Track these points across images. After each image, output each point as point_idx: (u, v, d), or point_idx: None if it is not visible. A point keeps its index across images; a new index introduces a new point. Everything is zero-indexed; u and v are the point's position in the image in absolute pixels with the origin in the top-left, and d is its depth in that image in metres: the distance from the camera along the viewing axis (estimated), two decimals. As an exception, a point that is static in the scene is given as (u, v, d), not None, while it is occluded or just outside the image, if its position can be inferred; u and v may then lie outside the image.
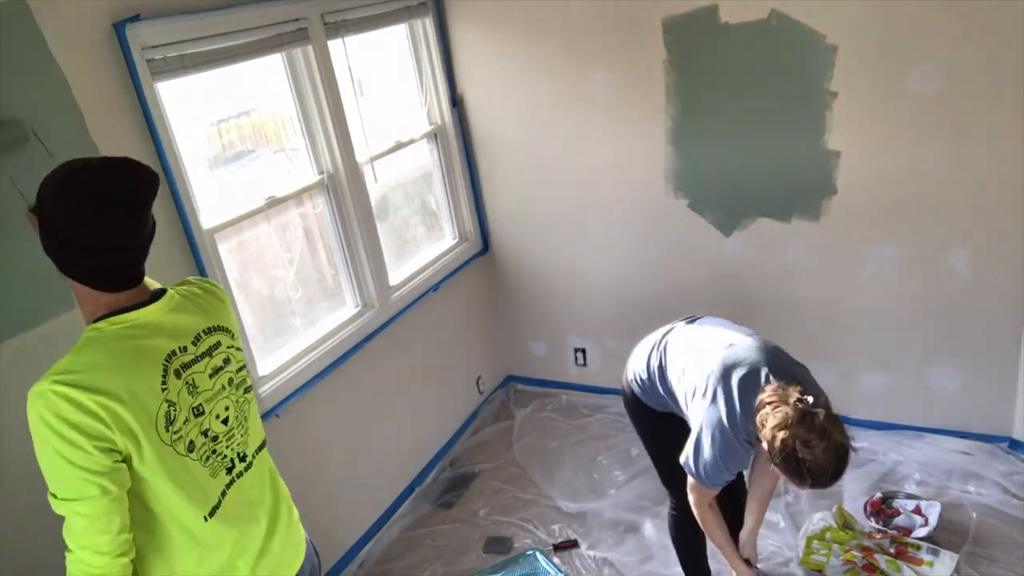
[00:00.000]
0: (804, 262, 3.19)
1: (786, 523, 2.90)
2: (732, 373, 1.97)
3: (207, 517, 1.44)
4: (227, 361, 1.52)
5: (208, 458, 1.46)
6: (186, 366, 1.42)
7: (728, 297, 3.41)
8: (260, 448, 1.62)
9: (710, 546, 2.44)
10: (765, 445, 1.84)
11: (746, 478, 2.35)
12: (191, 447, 1.42)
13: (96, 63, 1.99)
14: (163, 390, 1.36)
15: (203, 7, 2.28)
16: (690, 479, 2.10)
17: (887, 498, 2.88)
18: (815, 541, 2.70)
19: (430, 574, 2.94)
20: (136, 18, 2.05)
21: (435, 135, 3.55)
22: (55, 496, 1.28)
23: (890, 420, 3.31)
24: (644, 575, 2.79)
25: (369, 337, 3.05)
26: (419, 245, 3.60)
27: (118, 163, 1.33)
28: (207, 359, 1.47)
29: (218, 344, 1.51)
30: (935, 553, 2.58)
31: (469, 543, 3.07)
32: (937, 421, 3.22)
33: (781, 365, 2.00)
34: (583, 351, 3.90)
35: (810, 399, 1.80)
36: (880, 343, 3.19)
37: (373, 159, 3.10)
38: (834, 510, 2.81)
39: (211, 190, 2.48)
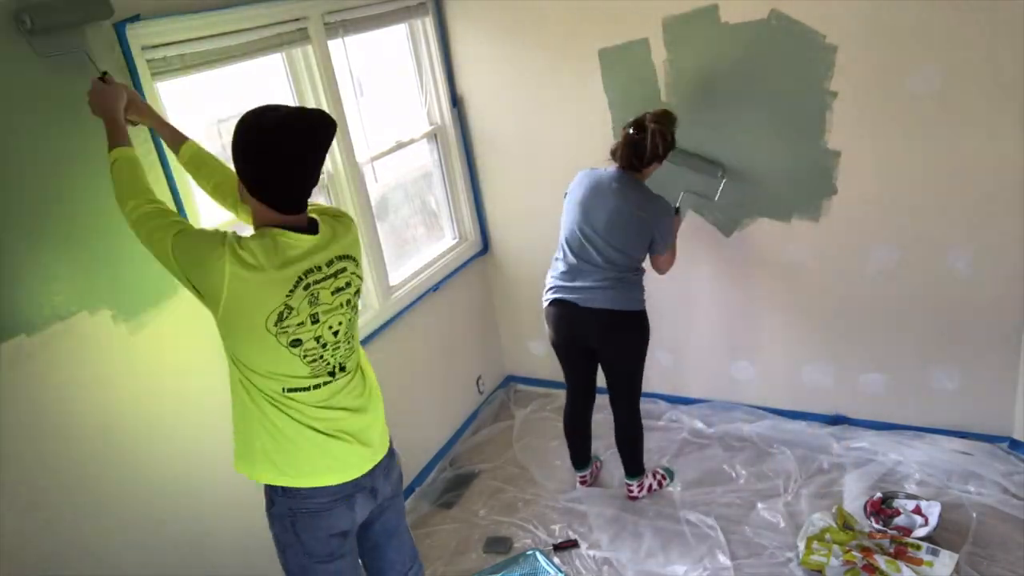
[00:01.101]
0: (804, 262, 3.19)
1: (785, 523, 2.90)
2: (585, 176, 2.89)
3: (285, 390, 1.75)
4: (348, 284, 1.82)
5: (314, 361, 1.76)
6: (316, 283, 1.72)
7: (728, 297, 3.41)
8: (358, 365, 1.93)
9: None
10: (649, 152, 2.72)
11: None
12: (295, 343, 1.72)
13: (96, 63, 1.99)
14: (287, 296, 1.67)
15: (203, 7, 2.27)
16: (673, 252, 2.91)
17: (887, 498, 2.88)
18: (815, 542, 2.70)
19: (430, 574, 2.94)
20: (136, 18, 2.05)
21: (435, 135, 3.55)
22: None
23: (890, 420, 3.31)
24: (643, 575, 2.79)
25: (369, 337, 3.05)
26: (419, 245, 3.61)
27: (316, 113, 1.66)
28: (332, 280, 1.76)
29: (344, 269, 1.80)
30: (935, 553, 2.57)
31: (469, 543, 3.07)
32: (937, 421, 3.22)
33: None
34: (583, 351, 3.89)
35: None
36: (880, 343, 3.19)
37: (373, 159, 3.10)
38: (834, 510, 2.81)
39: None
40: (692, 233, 3.34)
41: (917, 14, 2.62)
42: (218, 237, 1.64)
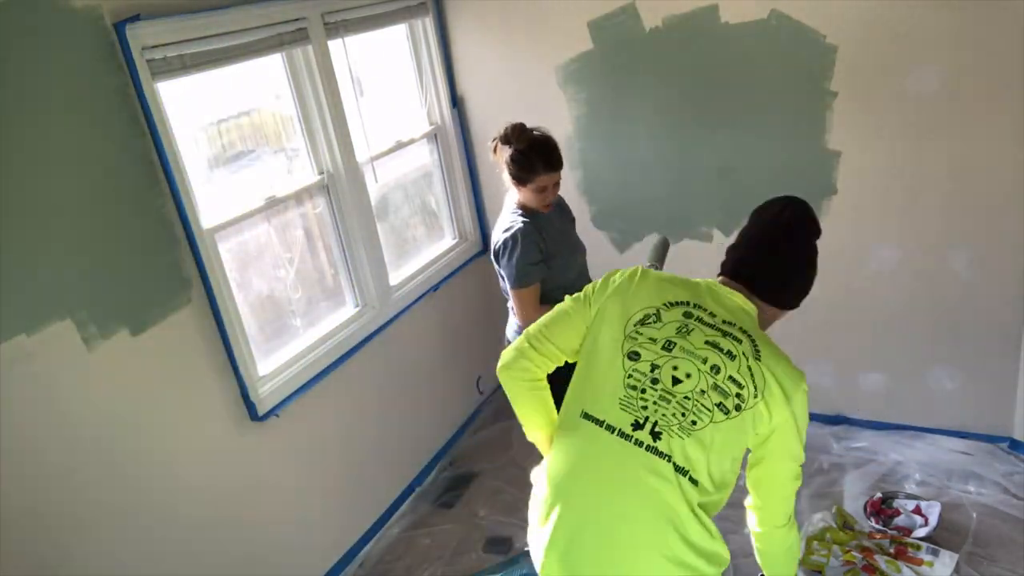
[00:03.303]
0: (804, 262, 3.18)
1: (786, 523, 2.89)
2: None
3: (583, 415, 1.47)
4: (730, 356, 1.45)
5: (633, 388, 1.43)
6: (700, 321, 1.49)
7: (728, 297, 3.41)
8: (673, 460, 1.38)
9: None
10: (505, 178, 2.44)
11: None
12: (633, 356, 1.46)
13: (96, 63, 1.99)
14: (665, 305, 1.50)
15: (203, 7, 2.27)
16: (512, 299, 2.47)
17: (887, 498, 2.88)
18: (815, 542, 2.70)
19: (430, 574, 2.94)
20: (136, 18, 2.05)
21: (435, 135, 3.55)
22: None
23: (890, 420, 3.31)
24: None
25: (369, 337, 3.05)
26: (419, 245, 3.60)
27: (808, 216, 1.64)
28: (718, 336, 1.47)
29: (738, 340, 1.47)
30: (935, 553, 2.58)
31: (469, 543, 3.07)
32: (937, 421, 3.22)
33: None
34: (583, 351, 3.89)
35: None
36: (880, 343, 3.19)
37: (373, 159, 3.10)
38: (834, 511, 2.81)
39: (211, 190, 2.48)
40: (692, 232, 3.34)
41: (917, 14, 2.62)
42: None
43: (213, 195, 2.48)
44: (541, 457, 1.69)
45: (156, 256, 2.20)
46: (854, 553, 2.60)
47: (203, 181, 2.44)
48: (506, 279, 2.47)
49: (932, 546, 2.61)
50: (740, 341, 1.46)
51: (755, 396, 1.41)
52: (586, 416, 1.45)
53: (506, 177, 2.46)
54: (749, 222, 1.64)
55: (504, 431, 3.77)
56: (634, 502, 1.39)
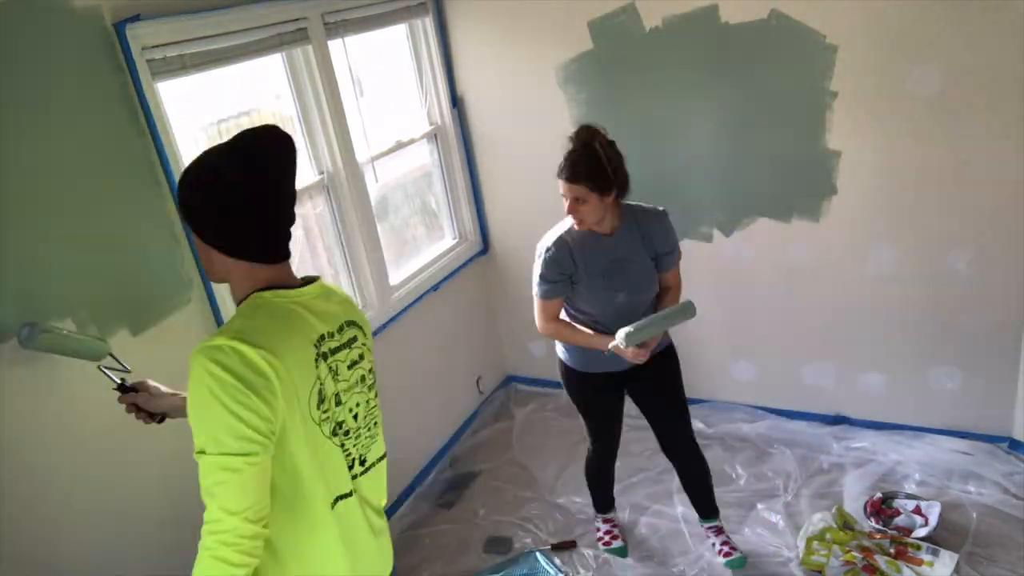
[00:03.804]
0: (804, 262, 3.19)
1: (785, 524, 2.89)
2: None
3: (332, 505, 1.41)
4: (362, 357, 1.50)
5: (341, 447, 1.45)
6: (332, 351, 1.41)
7: (728, 297, 3.41)
8: (381, 458, 1.57)
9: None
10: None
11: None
12: (336, 430, 1.41)
13: (96, 63, 1.99)
14: (317, 366, 1.37)
15: (203, 7, 2.28)
16: (535, 305, 2.44)
17: (887, 498, 2.88)
18: (815, 542, 2.70)
19: (430, 574, 2.94)
20: (136, 18, 2.05)
21: (435, 135, 3.55)
22: (206, 452, 1.23)
23: (890, 420, 3.31)
24: (643, 574, 2.79)
25: (369, 337, 3.05)
26: (419, 245, 3.60)
27: (269, 129, 1.37)
28: (347, 350, 1.46)
29: (355, 338, 1.49)
30: (935, 553, 2.57)
31: (469, 543, 3.07)
32: (937, 421, 3.22)
33: None
34: (583, 351, 3.89)
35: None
36: (880, 343, 3.19)
37: (373, 159, 3.10)
38: (834, 511, 2.81)
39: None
40: (692, 232, 3.34)
41: (917, 14, 2.62)
42: (226, 351, 1.25)
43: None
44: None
45: (156, 256, 2.20)
46: (854, 553, 2.60)
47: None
48: None
49: (932, 546, 2.61)
50: (356, 338, 1.49)
51: (371, 351, 1.56)
52: (338, 499, 1.44)
53: None
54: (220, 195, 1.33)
55: (504, 431, 3.77)
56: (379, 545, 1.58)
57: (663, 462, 3.36)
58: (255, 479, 1.24)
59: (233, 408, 1.22)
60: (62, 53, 1.91)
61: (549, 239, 2.42)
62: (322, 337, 1.39)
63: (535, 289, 2.43)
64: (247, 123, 2.71)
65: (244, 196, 1.31)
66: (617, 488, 3.23)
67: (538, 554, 2.91)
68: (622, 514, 3.09)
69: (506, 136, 3.55)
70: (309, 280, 1.45)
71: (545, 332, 2.49)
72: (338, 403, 1.42)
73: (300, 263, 2.88)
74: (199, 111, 2.48)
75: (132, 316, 2.12)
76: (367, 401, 1.52)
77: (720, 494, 3.11)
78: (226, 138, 1.36)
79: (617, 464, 3.39)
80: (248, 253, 1.35)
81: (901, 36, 2.68)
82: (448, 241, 3.77)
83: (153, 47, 2.15)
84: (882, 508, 2.85)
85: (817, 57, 2.81)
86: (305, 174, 2.85)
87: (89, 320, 1.99)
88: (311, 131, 2.82)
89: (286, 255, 1.40)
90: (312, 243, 2.95)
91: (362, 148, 3.01)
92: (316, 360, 1.36)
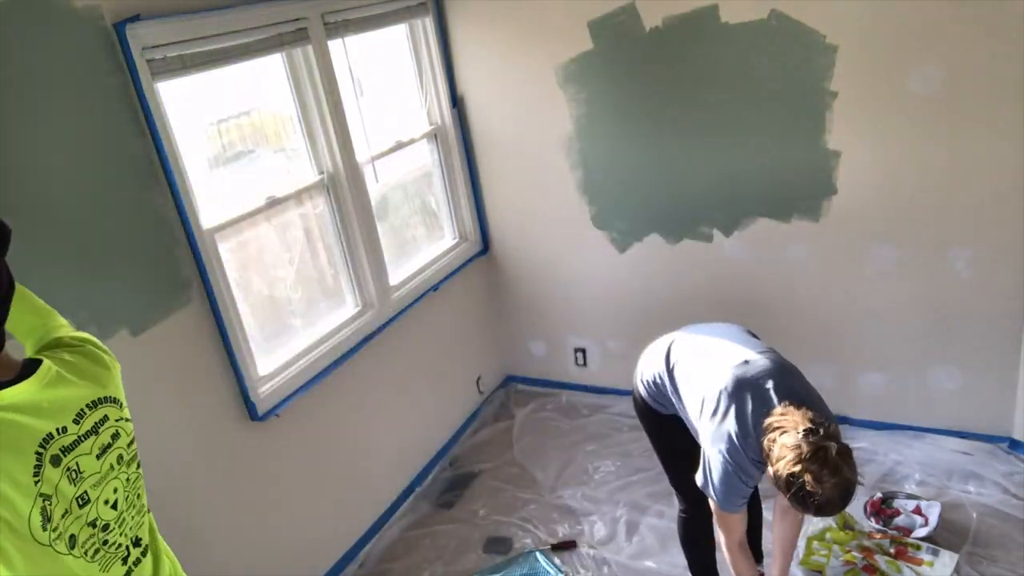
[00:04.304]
0: (804, 262, 3.19)
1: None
2: (744, 392, 1.94)
3: None
4: (116, 436, 1.30)
5: (97, 551, 1.25)
6: (66, 450, 1.19)
7: (728, 297, 3.41)
8: (152, 530, 1.40)
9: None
10: (771, 472, 1.80)
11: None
12: (72, 543, 1.20)
13: (96, 63, 1.99)
14: (36, 482, 1.13)
15: (203, 7, 2.28)
16: (711, 502, 2.07)
17: (887, 498, 2.88)
18: (815, 542, 2.70)
19: (430, 574, 2.94)
20: (136, 18, 2.05)
21: (435, 135, 3.55)
22: None
23: (890, 420, 3.31)
24: (643, 574, 2.79)
25: (369, 337, 3.05)
26: (419, 245, 3.60)
27: None
28: (92, 438, 1.24)
29: (105, 419, 1.28)
30: (935, 553, 2.58)
31: (469, 543, 3.07)
32: (937, 421, 3.22)
33: (791, 387, 1.95)
34: (583, 351, 3.90)
35: (820, 430, 1.75)
36: (880, 343, 3.19)
37: (373, 159, 3.10)
38: (834, 510, 2.81)
39: (211, 190, 2.48)
40: (692, 232, 3.35)
41: (917, 14, 2.62)
42: None
43: (213, 195, 2.48)
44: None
45: (156, 256, 2.20)
46: (854, 553, 2.61)
47: (203, 181, 2.44)
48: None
49: (932, 546, 2.61)
50: (106, 417, 1.28)
51: (128, 421, 1.35)
52: None
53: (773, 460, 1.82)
54: None
55: (504, 431, 3.77)
56: None
57: (663, 462, 3.37)
58: None
59: None
60: (62, 53, 1.91)
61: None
62: (49, 437, 1.16)
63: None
64: (247, 123, 2.71)
65: None
66: (617, 487, 3.24)
67: (538, 554, 2.91)
68: (621, 511, 3.08)
69: (506, 136, 3.55)
70: (31, 366, 1.19)
71: (732, 560, 2.16)
72: (83, 504, 1.22)
73: (300, 263, 2.88)
74: (199, 111, 2.48)
75: (132, 317, 2.13)
76: (127, 479, 1.32)
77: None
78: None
79: (618, 464, 3.40)
80: None
81: (901, 36, 2.67)
82: (448, 241, 3.77)
83: (153, 47, 2.15)
84: (882, 508, 2.85)
85: (817, 57, 2.81)
86: (305, 174, 2.85)
87: (89, 320, 1.99)
88: (311, 131, 2.82)
89: None
90: (312, 243, 2.95)
91: (362, 148, 3.01)
92: (38, 471, 1.14)
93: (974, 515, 2.80)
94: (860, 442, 3.25)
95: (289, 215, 2.81)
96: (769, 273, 3.28)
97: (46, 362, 1.21)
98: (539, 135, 3.46)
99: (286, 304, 2.84)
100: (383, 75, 3.43)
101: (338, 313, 3.03)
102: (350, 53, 2.91)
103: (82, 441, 1.22)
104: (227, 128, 2.63)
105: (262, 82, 2.71)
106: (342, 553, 3.01)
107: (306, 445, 2.81)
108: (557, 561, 2.88)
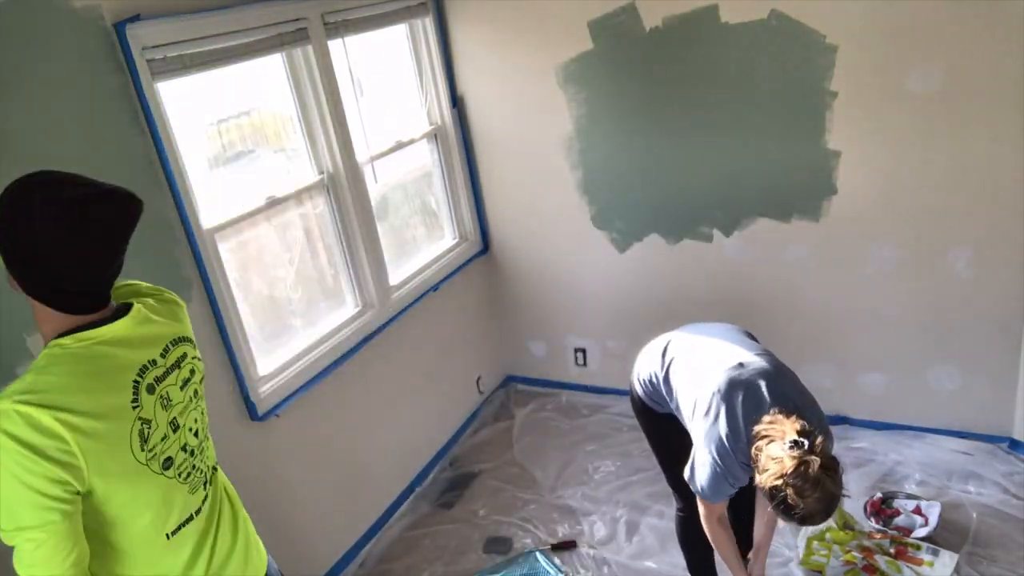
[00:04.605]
0: (804, 262, 3.19)
1: (785, 523, 2.89)
2: (736, 395, 1.94)
3: (170, 535, 1.38)
4: (192, 372, 1.47)
5: (189, 474, 1.42)
6: (159, 380, 1.36)
7: (728, 297, 3.41)
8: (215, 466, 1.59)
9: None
10: (757, 479, 1.80)
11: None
12: (167, 464, 1.36)
13: (96, 63, 1.99)
14: (134, 407, 1.29)
15: (203, 7, 2.28)
16: (694, 491, 2.09)
17: (887, 498, 2.88)
18: (815, 542, 2.70)
19: (430, 574, 2.94)
20: (136, 18, 2.05)
21: (435, 135, 3.55)
22: (4, 529, 1.18)
23: (890, 420, 3.31)
24: (643, 574, 2.79)
25: (369, 337, 3.05)
26: (419, 245, 3.60)
27: (110, 191, 1.27)
28: (176, 371, 1.42)
29: (184, 355, 1.45)
30: (935, 553, 2.58)
31: (469, 543, 3.07)
32: (937, 421, 3.22)
33: (783, 391, 1.94)
34: (583, 351, 3.90)
35: (806, 442, 1.73)
36: (880, 343, 3.19)
37: (373, 159, 3.10)
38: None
39: (211, 190, 2.48)
40: (692, 232, 3.35)
41: (917, 14, 2.62)
42: (17, 419, 1.17)
43: (213, 195, 2.48)
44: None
45: (156, 256, 2.20)
46: (854, 553, 2.61)
47: (203, 181, 2.44)
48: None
49: (932, 546, 2.61)
50: (185, 354, 1.46)
51: (200, 360, 1.54)
52: (175, 531, 1.40)
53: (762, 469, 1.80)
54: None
55: (504, 431, 3.77)
56: (226, 521, 1.55)
57: (663, 462, 3.37)
58: (62, 542, 1.19)
59: (23, 478, 1.15)
60: (62, 53, 1.91)
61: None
62: (144, 368, 1.33)
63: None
64: (247, 123, 2.71)
65: (55, 267, 1.22)
66: (617, 487, 3.24)
67: (538, 554, 2.91)
68: (621, 511, 3.08)
69: (506, 136, 3.55)
70: (124, 308, 1.36)
71: (711, 533, 2.18)
72: (175, 429, 1.38)
73: (300, 263, 2.88)
74: (199, 111, 2.48)
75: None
76: (201, 413, 1.50)
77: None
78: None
79: (618, 464, 3.40)
80: (53, 304, 1.26)
81: (901, 36, 2.68)
82: (448, 241, 3.77)
83: (153, 47, 2.15)
84: (882, 508, 2.85)
85: (817, 57, 2.81)
86: (305, 174, 2.85)
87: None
88: (311, 131, 2.82)
89: (100, 308, 1.31)
90: (312, 243, 2.95)
91: (362, 148, 3.01)
92: (136, 396, 1.30)
93: (974, 515, 2.80)
94: (860, 442, 3.25)
95: (289, 215, 2.81)
96: (769, 273, 3.28)
97: (137, 304, 1.38)
98: (539, 135, 3.46)
99: (286, 304, 2.84)
100: (383, 75, 3.43)
101: (338, 313, 3.03)
102: (350, 53, 2.91)
103: (170, 373, 1.40)
104: (227, 128, 2.63)
105: (262, 82, 2.71)
106: (342, 553, 3.01)
107: (306, 445, 2.81)
108: (557, 561, 2.88)
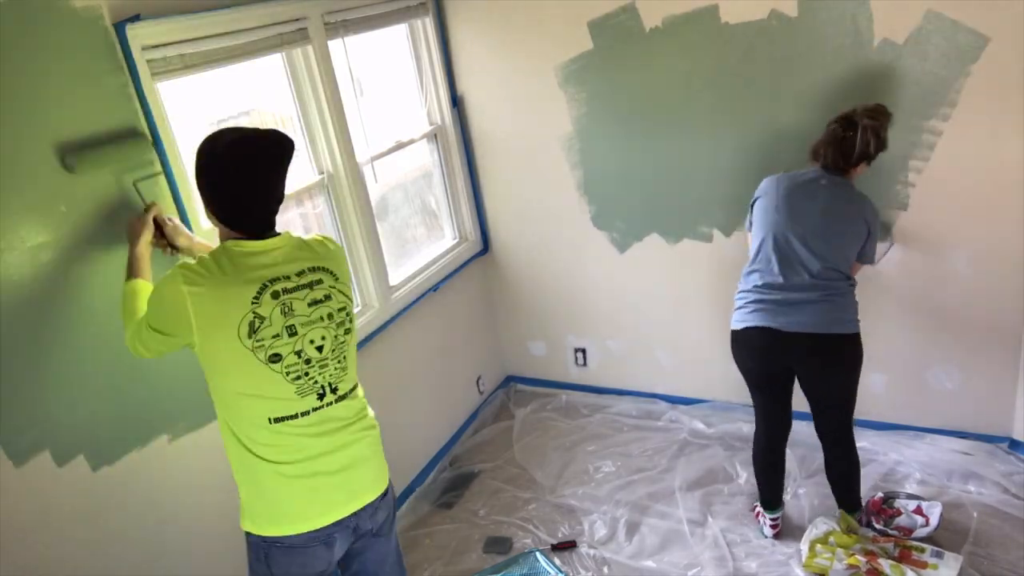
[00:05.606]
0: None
1: (788, 526, 2.89)
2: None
3: (272, 420, 1.68)
4: (328, 297, 1.75)
5: (299, 377, 1.69)
6: (287, 291, 1.68)
7: (728, 297, 3.40)
8: (353, 389, 1.83)
9: None
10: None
11: None
12: (275, 358, 1.66)
13: (96, 63, 1.99)
14: (253, 302, 1.63)
15: (203, 7, 2.27)
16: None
17: (888, 498, 2.88)
18: (818, 545, 2.69)
19: (430, 574, 2.94)
20: (136, 18, 2.05)
21: (435, 135, 3.55)
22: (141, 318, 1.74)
23: (890, 420, 3.31)
24: (643, 574, 2.79)
25: (369, 337, 3.05)
26: (419, 245, 3.60)
27: (270, 134, 1.67)
28: (307, 290, 1.71)
29: (320, 281, 1.75)
30: (939, 556, 2.56)
31: (469, 543, 3.07)
32: (937, 421, 3.22)
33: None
34: (583, 351, 3.90)
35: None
36: (880, 343, 3.18)
37: (373, 159, 3.10)
38: (837, 514, 2.80)
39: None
40: (692, 232, 3.34)
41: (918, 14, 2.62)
42: (171, 278, 1.64)
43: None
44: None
45: (155, 256, 2.19)
46: (858, 556, 2.60)
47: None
48: (875, 239, 2.58)
49: (936, 548, 2.59)
50: (321, 281, 1.75)
51: (351, 303, 1.83)
52: (277, 420, 1.69)
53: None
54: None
55: (504, 431, 3.77)
56: (356, 438, 1.84)
57: (663, 462, 3.37)
58: (158, 342, 1.71)
59: (156, 310, 1.68)
60: (62, 53, 1.91)
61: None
62: (275, 279, 1.67)
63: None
64: (247, 123, 2.71)
65: (225, 181, 1.65)
66: (617, 487, 3.24)
67: (538, 554, 2.91)
68: (621, 511, 3.08)
69: (506, 136, 3.55)
70: (277, 235, 1.74)
71: None
72: (292, 334, 1.67)
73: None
74: (199, 111, 2.48)
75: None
76: (335, 336, 1.76)
77: (720, 493, 3.12)
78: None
79: (618, 464, 3.40)
80: (223, 219, 1.70)
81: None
82: (448, 241, 3.76)
83: (153, 47, 2.14)
84: (883, 508, 2.85)
85: (818, 57, 2.80)
86: (305, 174, 2.85)
87: (89, 320, 2.02)
88: (311, 131, 2.82)
89: (262, 231, 1.71)
90: (312, 243, 2.95)
91: (362, 148, 3.01)
92: (259, 295, 1.63)
93: (974, 515, 2.80)
94: (860, 442, 3.23)
95: (289, 215, 2.81)
96: (769, 273, 3.28)
97: (287, 232, 1.76)
98: (539, 135, 3.46)
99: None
100: (383, 75, 3.43)
101: (338, 313, 3.03)
102: (350, 53, 2.91)
103: (300, 289, 1.70)
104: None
105: (262, 82, 2.71)
106: (342, 553, 3.01)
107: (306, 445, 2.81)
108: (557, 561, 2.88)
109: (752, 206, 2.65)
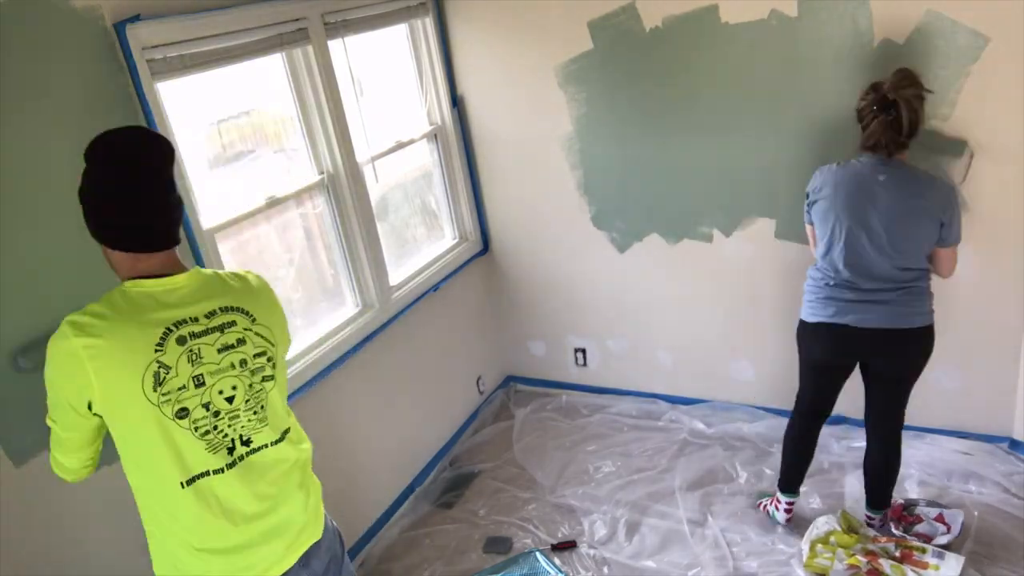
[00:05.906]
0: (804, 262, 3.18)
1: (789, 525, 2.89)
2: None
3: (184, 484, 1.49)
4: (241, 341, 1.56)
5: (207, 432, 1.51)
6: (194, 335, 1.49)
7: (728, 297, 3.41)
8: (279, 441, 1.64)
9: None
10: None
11: None
12: (182, 414, 1.47)
13: (96, 63, 1.99)
14: (156, 351, 1.44)
15: (203, 7, 2.27)
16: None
17: (909, 505, 2.85)
18: (819, 545, 2.69)
19: (430, 574, 2.94)
20: (136, 18, 2.05)
21: (435, 135, 3.55)
22: (49, 414, 1.50)
23: (890, 420, 3.31)
24: (643, 574, 2.79)
25: (369, 337, 3.05)
26: (419, 245, 3.60)
27: (131, 135, 1.50)
28: (217, 334, 1.52)
29: (232, 323, 1.55)
30: (941, 556, 2.55)
31: (469, 543, 3.07)
32: (937, 421, 3.22)
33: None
34: (583, 351, 3.90)
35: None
36: (880, 343, 3.18)
37: (373, 159, 3.10)
38: (838, 514, 2.80)
39: (211, 190, 2.47)
40: (692, 232, 3.34)
41: (918, 14, 2.62)
42: (58, 336, 1.43)
43: (213, 195, 2.47)
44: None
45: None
46: (859, 557, 2.60)
47: (203, 181, 2.44)
48: (953, 222, 2.40)
49: (938, 549, 2.59)
50: (234, 323, 1.56)
51: (273, 346, 1.63)
52: (188, 482, 1.50)
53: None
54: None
55: (504, 431, 3.77)
56: (285, 491, 1.66)
57: (663, 462, 3.37)
58: (75, 442, 1.51)
59: (55, 383, 1.45)
60: (62, 53, 1.91)
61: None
62: (181, 321, 1.48)
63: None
64: (247, 123, 2.71)
65: (104, 194, 1.45)
66: (617, 486, 3.24)
67: (538, 554, 2.91)
68: (621, 511, 3.08)
69: (506, 136, 3.55)
70: (184, 270, 1.55)
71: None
72: (199, 384, 1.49)
73: (300, 263, 2.88)
74: (199, 111, 2.48)
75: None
76: (249, 385, 1.57)
77: (720, 494, 3.12)
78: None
79: (618, 464, 3.40)
80: (106, 238, 1.48)
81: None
82: (448, 241, 3.76)
83: (153, 47, 2.14)
84: (904, 515, 2.82)
85: (818, 57, 2.80)
86: (305, 174, 2.85)
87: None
88: (311, 131, 2.82)
89: (152, 248, 1.49)
90: (312, 243, 2.95)
91: (362, 148, 3.01)
92: (162, 342, 1.45)
93: (975, 515, 2.80)
94: (860, 442, 3.24)
95: (289, 215, 2.81)
96: (769, 273, 3.28)
97: (196, 268, 1.57)
98: (539, 135, 3.46)
99: (286, 304, 2.82)
100: (383, 75, 3.43)
101: (338, 313, 3.03)
102: (350, 53, 2.91)
103: (209, 333, 1.51)
104: (227, 128, 2.63)
105: (262, 82, 2.71)
106: (342, 553, 3.01)
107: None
108: (557, 561, 2.88)
109: (810, 206, 2.57)
